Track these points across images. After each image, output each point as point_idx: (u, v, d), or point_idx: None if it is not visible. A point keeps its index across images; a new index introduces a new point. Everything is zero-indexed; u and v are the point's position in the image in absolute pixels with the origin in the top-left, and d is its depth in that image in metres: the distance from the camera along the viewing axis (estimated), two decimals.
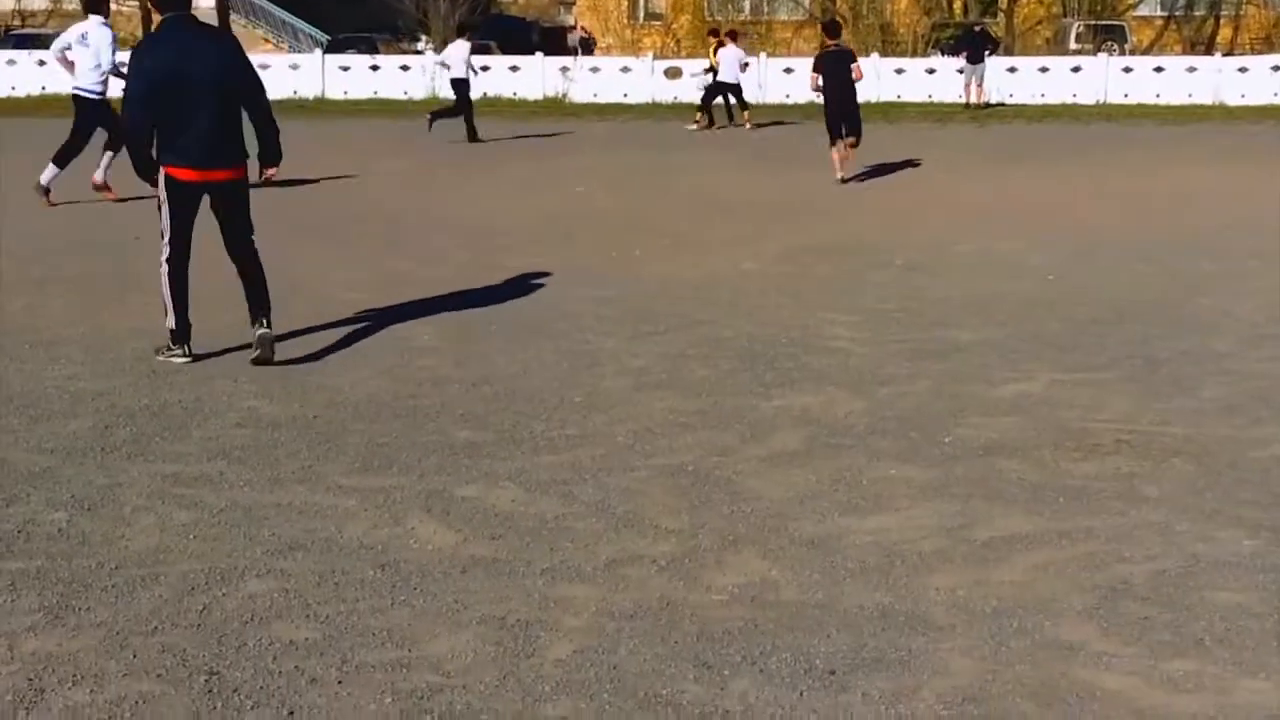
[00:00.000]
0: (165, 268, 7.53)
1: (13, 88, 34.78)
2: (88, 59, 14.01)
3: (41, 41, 39.06)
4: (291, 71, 34.73)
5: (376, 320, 8.68)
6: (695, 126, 26.08)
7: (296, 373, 7.36)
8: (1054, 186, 16.71)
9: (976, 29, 36.30)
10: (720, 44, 26.54)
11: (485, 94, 35.04)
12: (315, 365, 7.53)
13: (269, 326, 7.53)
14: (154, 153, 7.41)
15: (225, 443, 6.13)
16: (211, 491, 5.48)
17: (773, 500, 5.42)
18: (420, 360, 7.67)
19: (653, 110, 31.94)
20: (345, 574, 4.66)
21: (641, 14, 49.21)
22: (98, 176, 14.33)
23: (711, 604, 4.44)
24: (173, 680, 3.89)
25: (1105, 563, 4.77)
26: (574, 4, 55.54)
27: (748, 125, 26.23)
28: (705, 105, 26.66)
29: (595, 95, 33.73)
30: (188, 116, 7.31)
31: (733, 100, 26.51)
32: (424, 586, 4.56)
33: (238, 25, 53.77)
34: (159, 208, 7.49)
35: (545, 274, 10.41)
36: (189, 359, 7.55)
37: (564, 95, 34.44)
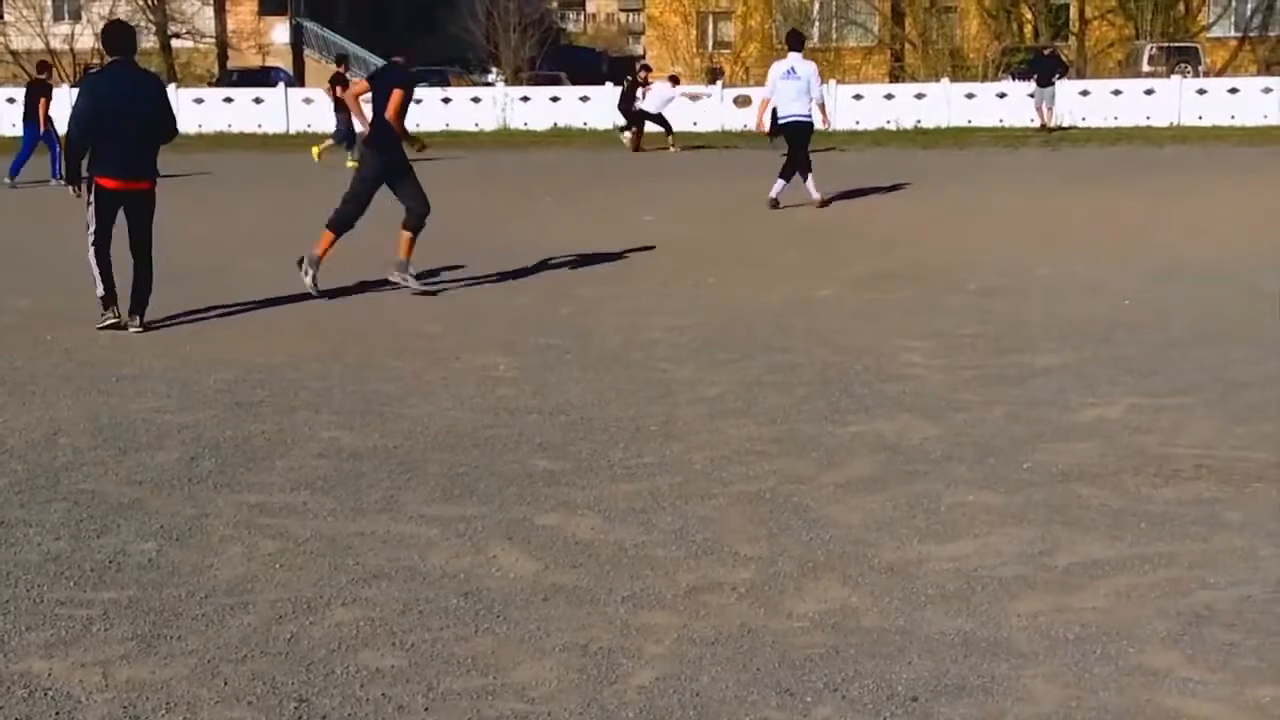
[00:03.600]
0: (91, 250, 9.49)
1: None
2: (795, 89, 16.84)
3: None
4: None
5: (453, 351, 8.77)
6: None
7: (376, 403, 7.46)
8: (1129, 210, 16.59)
9: (1046, 52, 36.18)
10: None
11: (555, 124, 35.37)
12: (394, 396, 7.62)
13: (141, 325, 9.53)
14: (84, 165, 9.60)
15: (308, 473, 6.22)
16: (296, 521, 5.57)
17: (851, 527, 5.43)
18: (498, 390, 7.75)
19: (723, 138, 32.16)
20: (429, 602, 4.72)
21: (710, 42, 49.34)
22: (814, 195, 17.27)
23: (792, 631, 4.45)
24: (264, 708, 3.96)
25: (1189, 589, 4.73)
26: (642, 34, 55.82)
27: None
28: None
29: None
30: (117, 138, 9.29)
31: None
32: (507, 614, 4.61)
33: (310, 59, 54.58)
34: (87, 206, 9.58)
35: (619, 303, 10.48)
36: (116, 319, 9.47)
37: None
